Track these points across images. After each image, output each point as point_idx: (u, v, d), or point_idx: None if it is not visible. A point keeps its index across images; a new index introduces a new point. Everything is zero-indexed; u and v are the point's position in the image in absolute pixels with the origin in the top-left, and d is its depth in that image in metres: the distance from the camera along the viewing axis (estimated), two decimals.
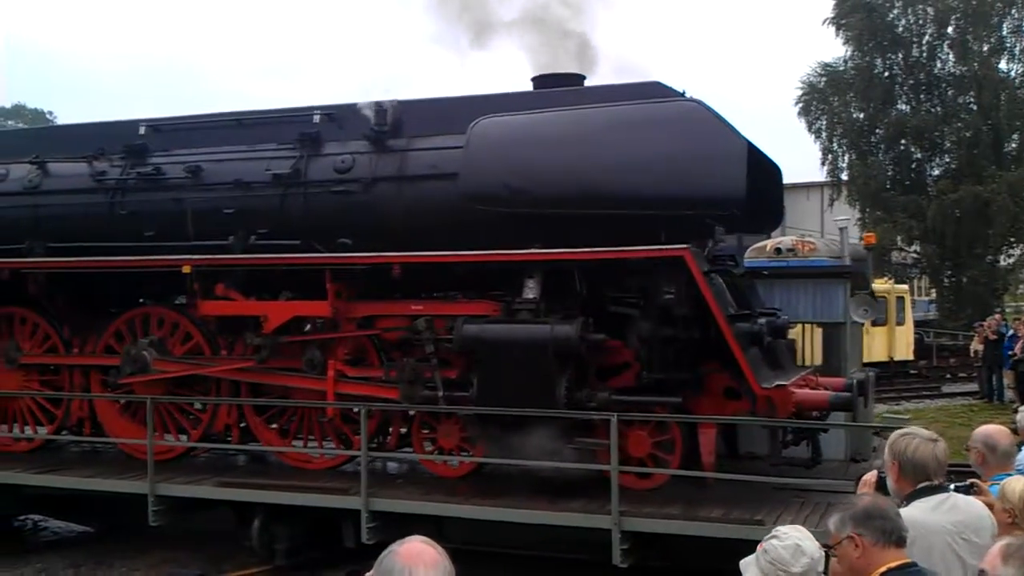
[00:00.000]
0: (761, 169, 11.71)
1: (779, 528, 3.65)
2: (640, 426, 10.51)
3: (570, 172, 10.31)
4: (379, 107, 11.61)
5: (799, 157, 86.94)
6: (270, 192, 11.78)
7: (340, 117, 11.90)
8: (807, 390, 10.07)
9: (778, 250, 13.73)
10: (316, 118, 12.01)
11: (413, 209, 11.16)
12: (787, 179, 12.77)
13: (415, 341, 10.96)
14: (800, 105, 37.23)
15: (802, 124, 37.34)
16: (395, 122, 11.63)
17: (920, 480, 4.38)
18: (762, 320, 11.28)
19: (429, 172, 11.15)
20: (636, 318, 10.31)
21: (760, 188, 11.77)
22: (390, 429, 11.78)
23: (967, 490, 4.66)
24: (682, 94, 10.95)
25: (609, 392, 10.31)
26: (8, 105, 50.27)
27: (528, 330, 10.26)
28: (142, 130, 12.90)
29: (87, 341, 12.92)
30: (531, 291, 10.51)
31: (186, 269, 11.70)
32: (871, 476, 4.84)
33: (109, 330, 12.70)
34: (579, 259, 10.23)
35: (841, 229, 13.12)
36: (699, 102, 10.27)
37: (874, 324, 22.92)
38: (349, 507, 10.26)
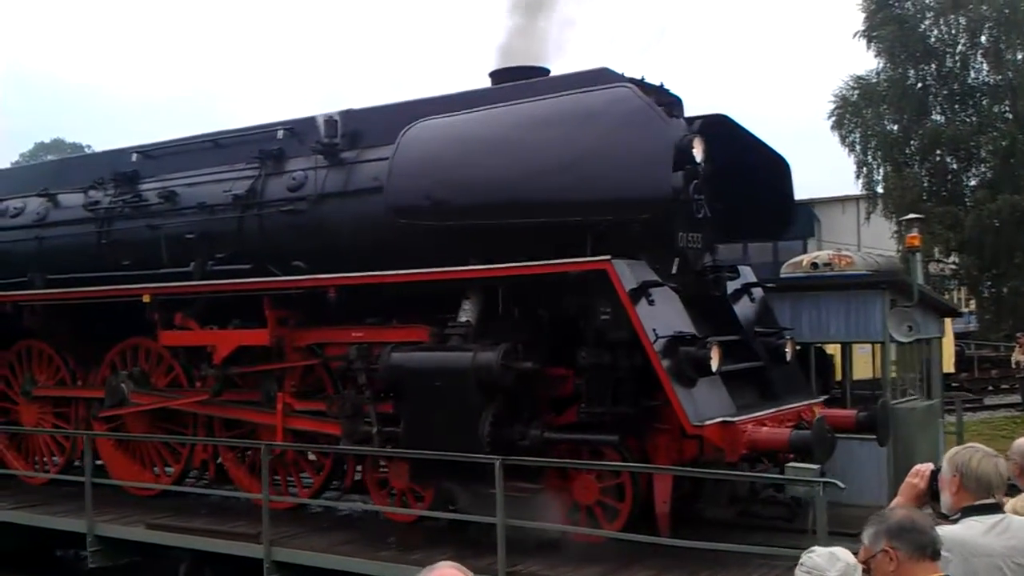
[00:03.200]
0: (759, 166, 10.04)
1: (813, 548, 3.70)
2: (587, 469, 9.05)
3: (491, 178, 9.05)
4: (329, 118, 10.74)
5: (833, 171, 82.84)
6: (229, 215, 11.16)
7: (301, 132, 11.12)
8: (765, 429, 8.27)
9: (814, 265, 11.85)
10: (280, 134, 11.29)
11: (356, 227, 10.20)
12: (822, 193, 11.24)
13: (349, 372, 9.96)
14: (833, 119, 36.65)
15: (835, 138, 36.84)
16: (352, 133, 10.72)
17: (982, 495, 4.17)
18: (758, 341, 9.64)
19: (371, 185, 10.14)
20: (575, 343, 8.88)
21: (759, 188, 10.11)
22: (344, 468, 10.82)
23: None
24: (641, 81, 9.42)
25: (541, 430, 8.92)
26: (48, 140, 53.09)
27: (449, 358, 9.05)
28: (134, 157, 12.65)
29: (89, 373, 12.75)
30: (466, 313, 9.29)
31: (146, 298, 11.25)
32: (926, 468, 4.47)
33: (105, 361, 12.45)
34: (487, 276, 8.95)
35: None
36: (630, 86, 8.73)
37: None
38: (251, 555, 9.35)
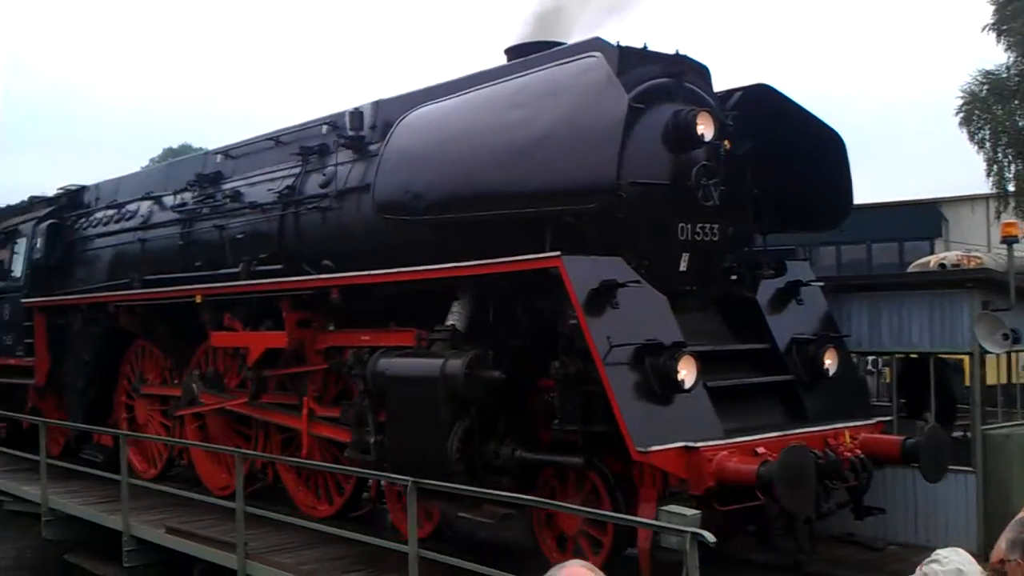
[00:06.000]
0: (810, 145, 8.61)
1: (939, 551, 3.29)
2: (573, 495, 7.98)
3: (460, 168, 8.20)
4: (355, 111, 10.24)
5: (961, 169, 69.38)
6: (274, 213, 10.93)
7: (341, 126, 10.68)
8: (735, 460, 6.86)
9: (942, 266, 10.13)
10: (323, 129, 10.93)
11: (370, 223, 9.62)
12: (949, 192, 9.31)
13: (350, 377, 9.40)
14: (961, 115, 32.69)
15: (963, 135, 32.90)
16: (384, 124, 10.14)
17: None
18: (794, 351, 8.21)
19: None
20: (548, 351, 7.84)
21: (810, 170, 8.65)
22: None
23: None
24: (639, 50, 8.19)
25: (513, 448, 7.95)
26: (176, 145, 55.09)
27: (419, 365, 8.29)
28: (218, 158, 12.73)
29: (183, 372, 12.97)
30: (453, 317, 8.47)
31: (198, 299, 11.23)
32: None
33: (192, 362, 12.62)
34: (451, 276, 8.09)
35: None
36: (597, 55, 7.53)
37: None
38: (226, 565, 8.97)
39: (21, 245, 15.89)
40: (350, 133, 10.15)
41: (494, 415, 8.10)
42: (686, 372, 7.13)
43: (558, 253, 7.24)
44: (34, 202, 17.19)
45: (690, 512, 5.70)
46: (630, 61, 8.04)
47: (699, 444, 6.84)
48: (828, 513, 7.41)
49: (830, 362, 8.21)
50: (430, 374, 8.08)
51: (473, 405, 8.00)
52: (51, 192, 17.10)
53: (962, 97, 34.49)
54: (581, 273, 7.22)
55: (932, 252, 11.82)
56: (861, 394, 8.61)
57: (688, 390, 7.17)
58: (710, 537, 5.40)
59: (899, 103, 75.11)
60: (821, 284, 8.80)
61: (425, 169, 8.45)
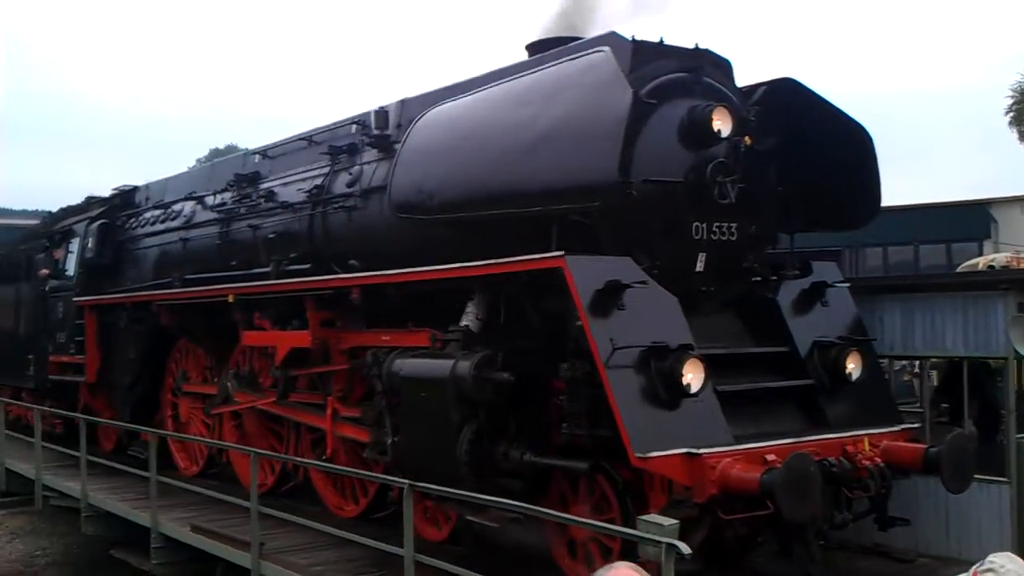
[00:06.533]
0: (835, 140, 8.34)
1: (993, 558, 3.22)
2: (584, 500, 7.81)
3: (470, 166, 8.08)
4: (380, 109, 10.19)
5: (1011, 168, 65.18)
6: (304, 213, 10.93)
7: (368, 124, 10.63)
8: (739, 467, 6.61)
9: (991, 267, 9.74)
10: (353, 128, 10.90)
11: (391, 222, 9.54)
12: (998, 192, 8.94)
13: (369, 378, 9.33)
14: (1011, 115, 32.49)
15: (1013, 135, 32.85)
16: (408, 123, 10.05)
17: None
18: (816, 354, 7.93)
19: None
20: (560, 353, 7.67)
21: (836, 166, 8.38)
22: None
23: None
24: (655, 44, 7.97)
25: (522, 451, 7.80)
26: (222, 146, 55.53)
27: (429, 366, 8.18)
28: (256, 159, 12.80)
29: (222, 371, 13.06)
30: (467, 317, 8.34)
31: (231, 298, 11.29)
32: None
33: (230, 361, 12.70)
34: (445, 277, 8.01)
35: None
36: (605, 50, 7.33)
37: None
38: (240, 564, 8.97)
39: (75, 245, 16.21)
40: (375, 132, 10.11)
41: (504, 417, 7.96)
42: (692, 376, 6.90)
43: (562, 253, 7.07)
44: (90, 202, 17.53)
45: (667, 522, 5.47)
46: (645, 56, 7.83)
47: (702, 451, 6.60)
48: (843, 524, 7.11)
49: (853, 366, 7.89)
50: (440, 375, 7.97)
51: (482, 407, 7.88)
52: (105, 192, 17.40)
53: (1012, 96, 33.62)
54: (585, 273, 7.04)
55: (980, 253, 11.41)
56: (888, 400, 8.24)
57: (695, 394, 6.93)
58: (685, 548, 5.18)
59: (938, 91, 73.24)
60: (847, 285, 8.47)
61: (438, 168, 8.36)
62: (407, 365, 8.48)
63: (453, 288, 8.40)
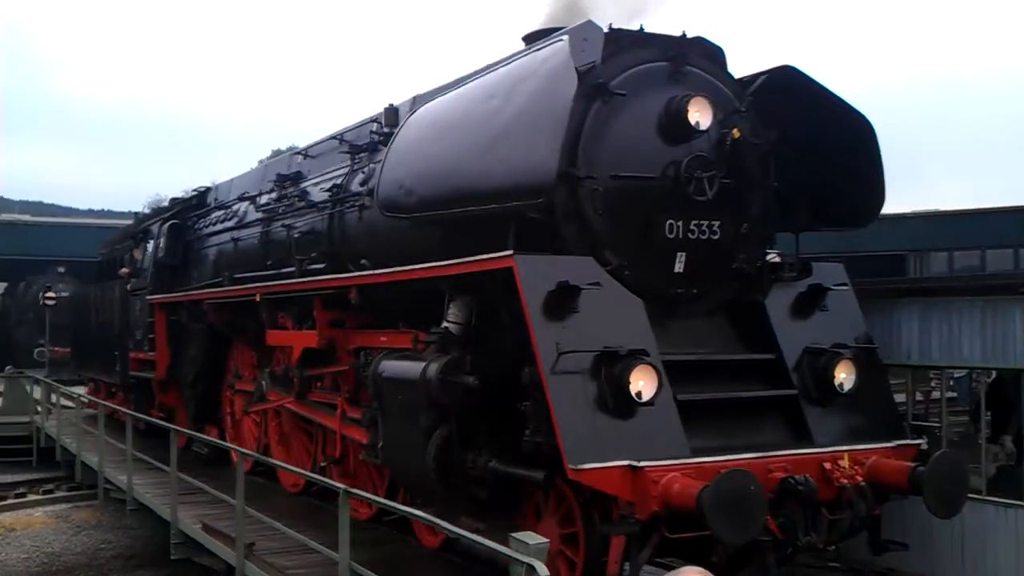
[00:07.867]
0: (838, 133, 7.79)
1: None
2: (553, 511, 7.45)
3: (440, 163, 7.83)
4: (389, 107, 10.04)
5: None
6: (325, 212, 10.88)
7: (382, 121, 10.49)
8: (683, 481, 6.14)
9: None
10: (373, 126, 10.77)
11: (391, 222, 9.35)
12: None
13: (362, 379, 9.18)
14: None
15: None
16: None
17: None
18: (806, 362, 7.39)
19: None
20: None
21: (838, 160, 7.82)
22: None
23: None
24: (634, 32, 7.55)
25: (487, 458, 7.49)
26: (284, 147, 55.59)
27: (405, 369, 7.97)
28: (299, 158, 12.84)
29: (262, 369, 13.16)
30: (450, 317, 8.10)
31: (257, 298, 11.34)
32: None
33: (273, 360, 12.77)
34: (425, 277, 7.73)
35: None
36: (563, 40, 6.95)
37: None
38: (227, 559, 8.94)
39: (151, 244, 16.67)
40: (385, 130, 9.97)
41: (475, 423, 7.68)
42: (644, 383, 6.47)
43: (510, 252, 6.75)
44: (173, 204, 18.04)
45: (535, 540, 5.10)
46: (620, 44, 7.44)
47: (643, 464, 6.18)
48: (809, 545, 6.56)
49: (844, 376, 7.27)
50: (412, 378, 7.75)
51: (452, 412, 7.62)
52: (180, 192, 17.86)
53: None
54: (536, 274, 6.69)
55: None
56: (890, 413, 7.56)
57: (648, 403, 6.50)
58: (544, 571, 4.80)
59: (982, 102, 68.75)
60: (846, 288, 7.82)
61: (416, 165, 8.14)
62: (388, 367, 8.30)
63: (430, 289, 8.16)
